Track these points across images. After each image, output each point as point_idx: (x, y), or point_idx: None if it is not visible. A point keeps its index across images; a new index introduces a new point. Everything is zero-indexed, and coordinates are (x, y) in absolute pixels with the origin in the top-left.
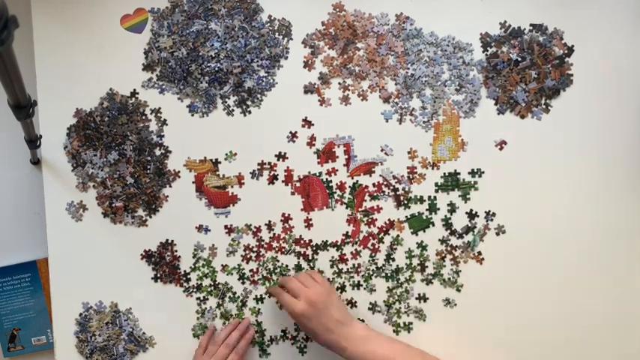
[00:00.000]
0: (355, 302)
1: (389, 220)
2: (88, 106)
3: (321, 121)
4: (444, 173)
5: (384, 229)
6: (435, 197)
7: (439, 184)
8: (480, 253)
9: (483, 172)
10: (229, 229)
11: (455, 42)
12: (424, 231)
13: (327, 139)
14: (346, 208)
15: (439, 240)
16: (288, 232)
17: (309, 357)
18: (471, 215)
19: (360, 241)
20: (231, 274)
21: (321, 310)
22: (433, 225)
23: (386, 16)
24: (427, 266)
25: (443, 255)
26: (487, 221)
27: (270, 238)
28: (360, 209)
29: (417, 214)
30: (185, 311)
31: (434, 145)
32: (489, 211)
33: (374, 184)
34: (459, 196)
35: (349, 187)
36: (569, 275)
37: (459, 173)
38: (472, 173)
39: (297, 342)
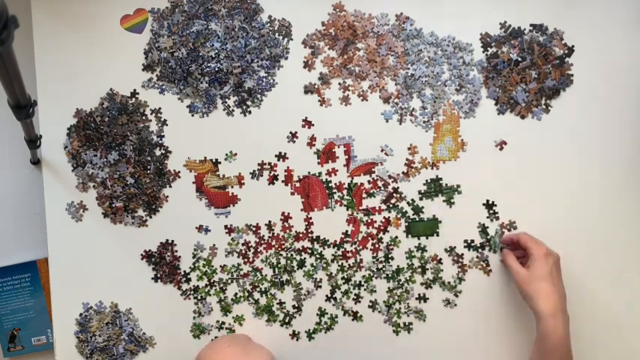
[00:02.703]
0: (361, 299)
1: (384, 217)
2: (88, 106)
3: (321, 122)
4: (426, 180)
5: (382, 227)
6: (421, 199)
7: (422, 191)
8: (487, 263)
9: (460, 186)
10: (229, 229)
11: (455, 42)
12: (427, 238)
13: (327, 140)
14: (347, 209)
15: (445, 250)
16: (287, 231)
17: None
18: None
19: (360, 241)
20: (231, 273)
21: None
22: (438, 235)
23: (386, 16)
24: (427, 269)
25: (439, 259)
26: (494, 221)
27: (269, 237)
28: (360, 208)
29: (425, 219)
30: (185, 311)
31: (434, 145)
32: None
33: (369, 181)
34: (444, 201)
35: (346, 188)
36: (570, 275)
37: (440, 179)
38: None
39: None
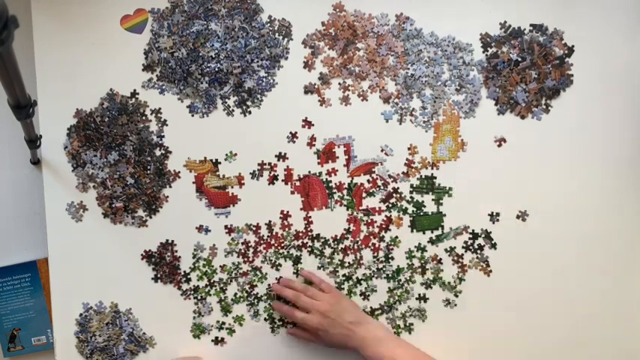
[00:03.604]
0: (368, 295)
1: (386, 216)
2: (88, 106)
3: (321, 122)
4: (421, 176)
5: (384, 226)
6: (417, 195)
7: (414, 185)
8: (488, 264)
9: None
10: (229, 229)
11: (455, 42)
12: (432, 232)
13: (327, 140)
14: (347, 209)
15: (446, 250)
16: (287, 229)
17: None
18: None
19: (361, 241)
20: (231, 273)
21: (335, 319)
22: (443, 229)
23: (386, 16)
24: (427, 269)
25: (439, 259)
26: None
27: (268, 236)
28: (360, 208)
29: (430, 213)
30: (185, 311)
31: (434, 145)
32: (493, 212)
33: (368, 180)
34: (432, 200)
35: (346, 188)
36: (569, 275)
37: (435, 177)
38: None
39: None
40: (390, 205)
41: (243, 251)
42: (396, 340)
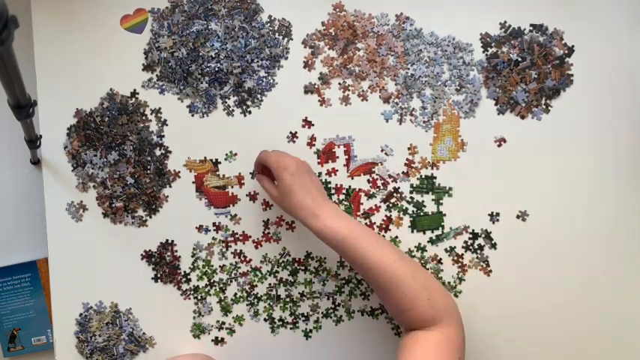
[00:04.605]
0: (368, 295)
1: (386, 216)
2: (88, 106)
3: (321, 122)
4: (421, 176)
5: (384, 226)
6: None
7: (414, 185)
8: (488, 264)
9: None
10: (217, 227)
11: (455, 42)
12: (432, 232)
13: (327, 140)
14: (344, 204)
15: (446, 250)
16: (278, 227)
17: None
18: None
19: None
20: (230, 273)
21: (303, 173)
22: (443, 228)
23: (386, 16)
24: (428, 269)
25: (439, 259)
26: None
27: (262, 235)
28: (358, 213)
29: (430, 213)
30: (185, 311)
31: (434, 145)
32: (493, 212)
33: (368, 180)
34: (432, 200)
35: (344, 194)
36: (569, 275)
37: (435, 177)
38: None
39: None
40: (391, 205)
41: (239, 251)
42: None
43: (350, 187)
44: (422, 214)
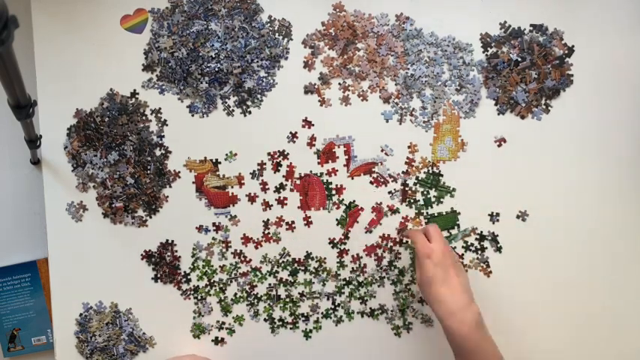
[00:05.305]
0: (366, 300)
1: (403, 218)
2: (88, 106)
3: (321, 122)
4: (428, 170)
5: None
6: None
7: (419, 178)
8: (488, 264)
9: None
10: (217, 227)
11: (455, 42)
12: (449, 231)
13: (327, 140)
14: (340, 214)
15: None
16: (278, 227)
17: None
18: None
19: (367, 248)
20: (230, 273)
21: (448, 266)
22: (459, 227)
23: (386, 16)
24: None
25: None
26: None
27: (262, 235)
28: (349, 229)
29: (444, 213)
30: (185, 311)
31: (434, 145)
32: (492, 212)
33: (370, 182)
34: (434, 196)
35: (344, 205)
36: (569, 275)
37: (441, 175)
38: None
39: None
40: (407, 204)
41: (239, 251)
42: (489, 337)
43: (354, 201)
44: (436, 214)
